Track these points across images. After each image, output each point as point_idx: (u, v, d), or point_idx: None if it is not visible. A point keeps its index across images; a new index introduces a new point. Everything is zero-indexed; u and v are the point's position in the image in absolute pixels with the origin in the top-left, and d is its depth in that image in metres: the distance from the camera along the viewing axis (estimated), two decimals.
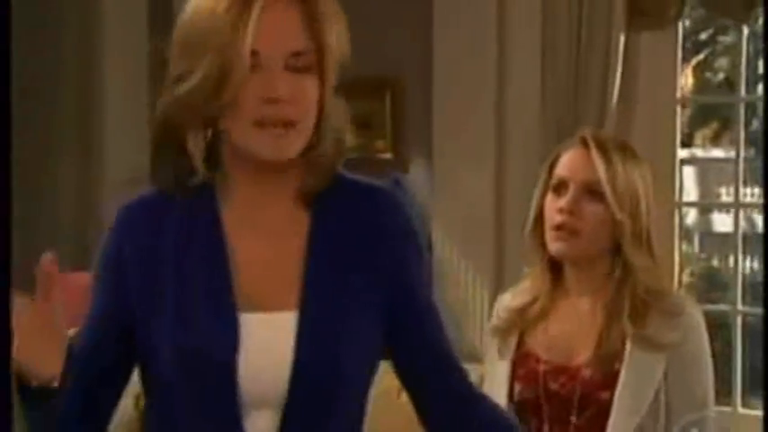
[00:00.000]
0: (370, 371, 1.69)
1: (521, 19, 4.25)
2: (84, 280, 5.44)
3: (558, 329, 2.44)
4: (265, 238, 1.67)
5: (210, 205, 1.67)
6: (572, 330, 2.43)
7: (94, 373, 1.70)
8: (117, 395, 1.76)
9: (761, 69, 4.74)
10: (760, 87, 4.50)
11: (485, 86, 4.27)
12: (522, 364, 2.44)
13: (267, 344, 1.61)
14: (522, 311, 2.47)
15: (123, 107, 5.21)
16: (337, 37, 1.60)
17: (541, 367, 2.40)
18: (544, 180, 2.47)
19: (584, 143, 2.42)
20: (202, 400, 1.62)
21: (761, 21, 3.86)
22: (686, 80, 5.69)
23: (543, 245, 2.44)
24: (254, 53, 1.57)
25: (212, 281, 1.64)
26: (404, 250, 1.71)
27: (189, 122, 1.63)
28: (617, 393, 2.31)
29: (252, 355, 1.61)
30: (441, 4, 4.30)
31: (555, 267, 2.48)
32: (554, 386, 2.38)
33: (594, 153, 2.37)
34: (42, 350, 1.55)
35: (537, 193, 2.48)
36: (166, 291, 1.65)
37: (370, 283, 1.67)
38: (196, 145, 1.65)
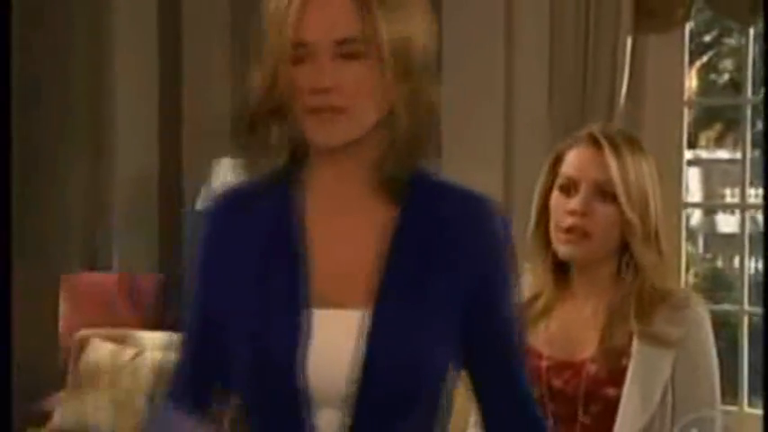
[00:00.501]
0: (446, 376, 1.66)
1: (528, 21, 4.23)
2: (93, 280, 5.43)
3: (559, 326, 2.39)
4: (346, 233, 1.65)
5: (294, 198, 1.66)
6: (574, 326, 2.38)
7: (200, 369, 1.71)
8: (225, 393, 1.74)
9: None
10: None
11: (493, 88, 4.25)
12: None
13: (337, 341, 1.59)
14: (522, 309, 2.41)
15: (134, 108, 5.20)
16: (397, 23, 1.56)
17: (544, 363, 2.36)
18: (547, 179, 2.41)
19: (594, 141, 2.36)
20: (272, 395, 1.61)
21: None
22: (690, 82, 5.66)
23: (547, 245, 2.39)
24: (302, 44, 1.57)
25: (288, 275, 1.62)
26: (491, 260, 1.67)
27: (267, 114, 1.63)
28: (625, 389, 2.27)
29: (320, 352, 1.59)
30: (449, 4, 4.29)
31: (558, 266, 2.43)
32: (557, 383, 2.33)
33: (607, 152, 2.32)
34: None
35: (539, 192, 2.42)
36: (245, 284, 1.64)
37: (451, 288, 1.63)
38: (280, 135, 1.65)
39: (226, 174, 4.87)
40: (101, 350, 4.54)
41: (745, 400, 3.98)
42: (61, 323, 4.88)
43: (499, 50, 4.27)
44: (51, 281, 4.94)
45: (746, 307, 4.04)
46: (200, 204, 4.96)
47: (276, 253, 1.64)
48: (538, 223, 2.41)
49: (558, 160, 2.40)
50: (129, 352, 4.48)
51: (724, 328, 4.75)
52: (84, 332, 4.67)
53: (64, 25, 5.18)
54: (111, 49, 5.14)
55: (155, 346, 4.50)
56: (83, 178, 5.25)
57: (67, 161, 5.24)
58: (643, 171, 2.33)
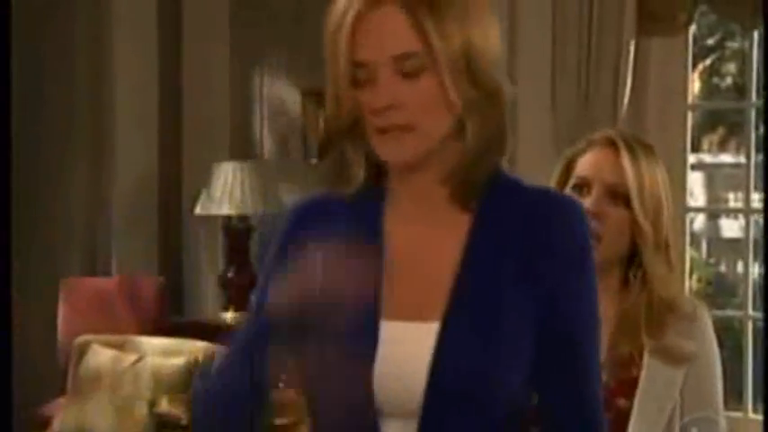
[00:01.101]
0: (522, 385, 1.60)
1: (530, 25, 4.24)
2: (93, 283, 5.41)
3: None
4: (424, 244, 1.62)
5: (375, 211, 1.65)
6: None
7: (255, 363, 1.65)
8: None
9: None
10: None
11: None
12: None
13: (409, 353, 1.57)
14: None
15: (134, 110, 5.21)
16: (455, 31, 1.53)
17: None
18: (558, 181, 2.40)
19: (611, 143, 2.35)
20: (340, 404, 1.59)
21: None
22: (693, 85, 5.67)
23: None
24: (361, 64, 1.55)
25: (362, 286, 1.59)
26: (572, 265, 1.61)
27: (340, 136, 1.62)
28: (636, 402, 2.26)
29: (389, 364, 1.57)
30: None
31: None
32: None
33: (624, 154, 2.30)
34: None
35: None
36: (320, 292, 1.60)
37: (526, 298, 1.58)
38: (355, 153, 1.63)
39: (226, 176, 4.88)
40: (101, 355, 4.54)
41: (750, 406, 3.99)
42: (60, 327, 4.89)
43: (502, 54, 4.27)
44: (50, 284, 4.95)
45: (750, 312, 4.04)
46: (199, 207, 4.97)
47: (353, 263, 1.60)
48: None
49: (571, 163, 2.39)
50: (129, 357, 4.48)
51: (728, 333, 4.75)
52: (84, 337, 4.67)
53: (65, 28, 5.19)
54: (111, 51, 5.14)
55: (155, 352, 4.50)
56: (82, 180, 5.25)
57: (67, 163, 5.25)
58: (657, 178, 2.32)
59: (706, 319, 2.34)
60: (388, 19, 1.53)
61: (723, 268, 8.11)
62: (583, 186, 2.33)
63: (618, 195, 2.31)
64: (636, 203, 2.29)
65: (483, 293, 1.58)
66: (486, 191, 1.62)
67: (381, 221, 1.64)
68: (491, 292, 1.58)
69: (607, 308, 2.37)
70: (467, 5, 1.56)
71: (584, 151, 2.37)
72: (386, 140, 1.56)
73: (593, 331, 1.65)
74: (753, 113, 4.07)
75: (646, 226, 2.29)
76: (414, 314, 1.59)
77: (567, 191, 2.35)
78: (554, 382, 1.63)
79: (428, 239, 1.63)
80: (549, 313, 1.60)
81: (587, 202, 2.31)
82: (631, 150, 2.31)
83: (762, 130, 4.51)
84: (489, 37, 1.59)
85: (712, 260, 8.20)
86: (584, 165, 2.35)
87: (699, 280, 7.34)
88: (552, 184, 2.40)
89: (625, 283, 2.35)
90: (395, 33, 1.53)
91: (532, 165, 4.18)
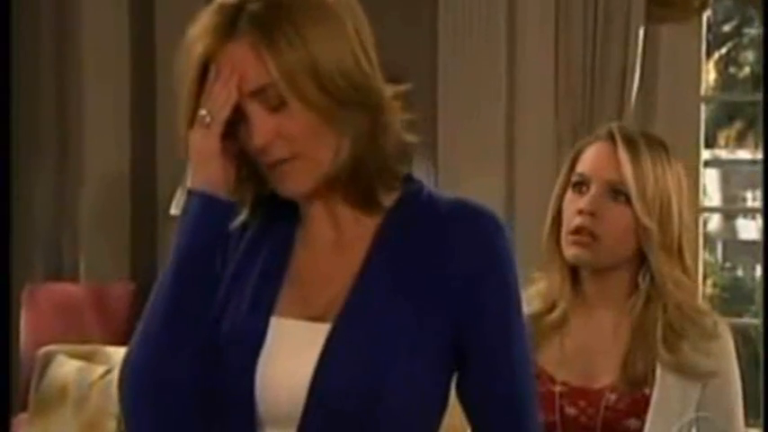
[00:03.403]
0: (424, 396, 1.65)
1: (533, 11, 4.23)
2: (59, 290, 5.39)
3: (574, 346, 2.36)
4: (332, 251, 1.70)
5: (293, 212, 1.73)
6: (591, 348, 2.36)
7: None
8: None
9: None
10: None
11: (494, 85, 4.25)
12: None
13: (293, 352, 1.63)
14: (533, 321, 2.38)
15: (104, 105, 5.20)
16: (296, 57, 1.59)
17: (557, 389, 2.34)
18: (565, 176, 2.40)
19: (611, 137, 2.35)
20: (224, 403, 1.64)
21: None
22: (708, 75, 5.68)
23: (561, 250, 2.38)
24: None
25: (262, 283, 1.69)
26: (483, 272, 1.65)
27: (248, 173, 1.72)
28: (648, 420, 2.26)
29: (274, 361, 1.63)
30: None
31: (574, 274, 2.41)
32: (572, 411, 2.31)
33: (621, 149, 2.30)
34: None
35: (556, 189, 2.41)
36: (230, 285, 1.70)
37: (436, 308, 1.63)
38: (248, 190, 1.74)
39: None
40: (67, 367, 4.53)
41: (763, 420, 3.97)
42: (23, 337, 4.88)
43: (501, 43, 4.26)
44: (11, 290, 4.93)
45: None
46: (175, 207, 4.96)
47: (263, 262, 1.70)
48: (552, 226, 2.40)
49: (576, 158, 2.40)
50: (97, 369, 4.47)
51: (744, 343, 4.75)
52: (48, 348, 4.66)
53: (32, 26, 5.18)
54: (79, 40, 5.14)
55: None
56: (47, 178, 5.24)
57: (30, 159, 5.24)
58: (666, 176, 2.32)
59: (727, 336, 2.34)
60: (242, 53, 1.62)
61: (740, 272, 8.12)
62: (582, 183, 2.34)
63: (619, 192, 2.31)
64: (635, 199, 2.29)
65: (380, 302, 1.63)
66: (396, 202, 1.70)
67: (293, 226, 1.72)
68: (389, 299, 1.64)
69: (618, 319, 2.36)
70: (303, 28, 1.61)
71: (589, 144, 2.38)
72: (280, 176, 1.64)
73: (515, 338, 1.69)
74: None
75: (650, 225, 2.29)
76: (310, 315, 1.65)
77: (569, 189, 2.36)
78: (479, 394, 1.68)
79: (337, 247, 1.70)
80: (466, 323, 1.65)
81: (584, 201, 2.32)
82: (632, 145, 2.31)
83: None
84: (341, 50, 1.63)
85: (728, 264, 8.21)
86: (585, 161, 2.36)
87: (714, 285, 7.35)
88: (558, 182, 2.40)
89: (636, 288, 2.35)
90: (249, 66, 1.61)
91: (533, 163, 4.17)
